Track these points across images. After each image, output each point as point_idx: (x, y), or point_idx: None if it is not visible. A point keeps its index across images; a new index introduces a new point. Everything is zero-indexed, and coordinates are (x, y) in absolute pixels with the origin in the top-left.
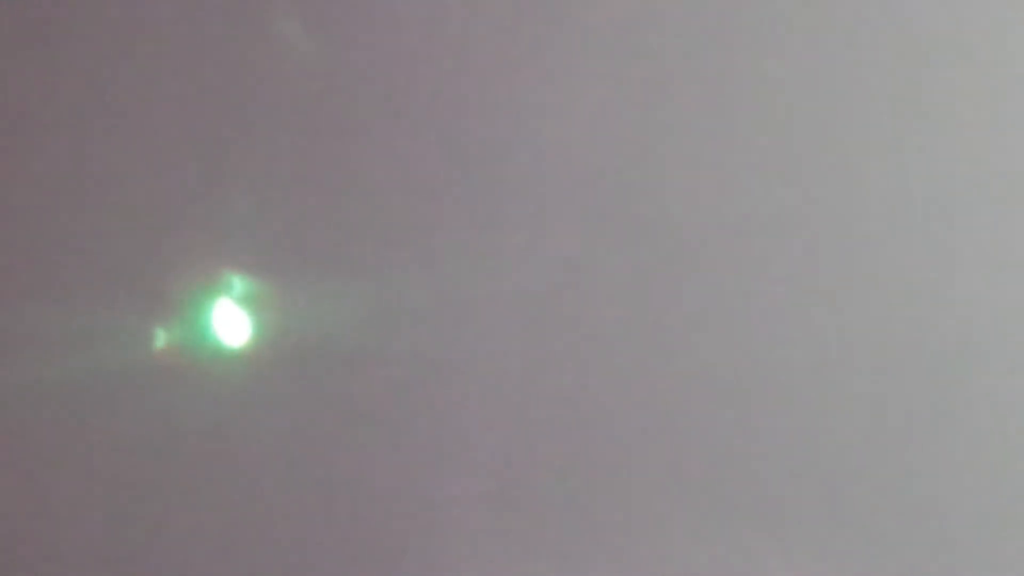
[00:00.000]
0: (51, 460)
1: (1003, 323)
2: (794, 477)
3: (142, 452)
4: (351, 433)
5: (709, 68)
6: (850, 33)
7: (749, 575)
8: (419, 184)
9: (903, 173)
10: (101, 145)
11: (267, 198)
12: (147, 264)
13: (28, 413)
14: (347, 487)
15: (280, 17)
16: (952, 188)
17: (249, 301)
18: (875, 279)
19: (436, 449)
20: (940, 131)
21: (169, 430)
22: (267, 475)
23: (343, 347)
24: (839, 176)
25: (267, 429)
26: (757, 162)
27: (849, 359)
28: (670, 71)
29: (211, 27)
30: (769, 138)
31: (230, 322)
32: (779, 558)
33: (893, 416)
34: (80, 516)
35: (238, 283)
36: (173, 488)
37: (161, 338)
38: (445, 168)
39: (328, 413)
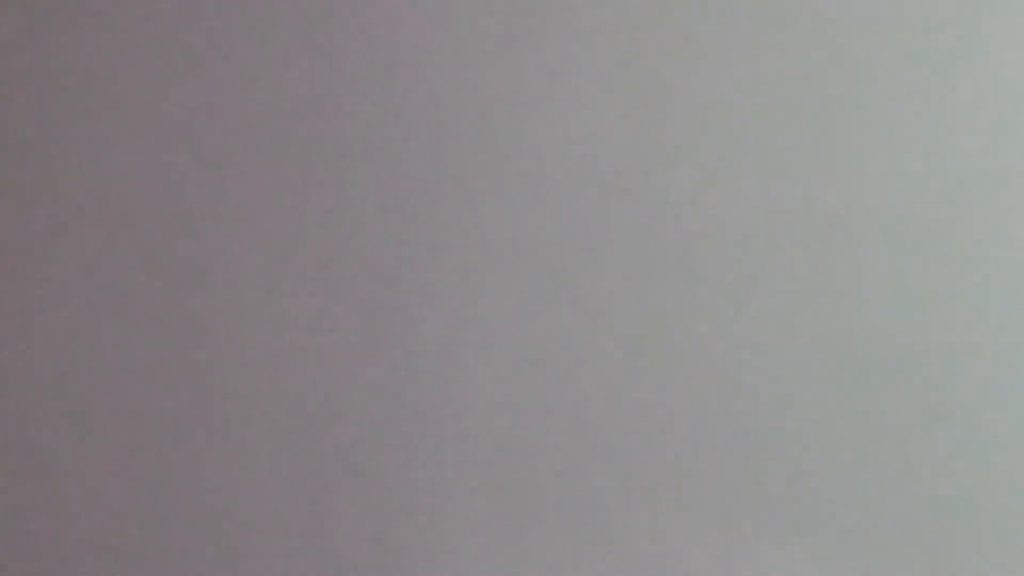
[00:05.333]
0: (57, 460)
1: (1003, 323)
2: (794, 477)
3: (144, 450)
4: (351, 433)
5: (709, 68)
6: (851, 33)
7: (749, 575)
8: (417, 183)
9: (904, 173)
10: (104, 147)
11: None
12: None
13: (34, 412)
14: (346, 487)
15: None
16: (953, 188)
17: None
18: (876, 280)
19: (436, 449)
20: (940, 131)
21: (167, 428)
22: (266, 475)
23: (343, 347)
24: (839, 176)
25: (270, 430)
26: (757, 162)
27: (851, 360)
28: (670, 70)
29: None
30: (769, 138)
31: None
32: (779, 558)
33: (894, 417)
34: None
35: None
36: (172, 485)
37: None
38: (443, 169)
39: (326, 413)
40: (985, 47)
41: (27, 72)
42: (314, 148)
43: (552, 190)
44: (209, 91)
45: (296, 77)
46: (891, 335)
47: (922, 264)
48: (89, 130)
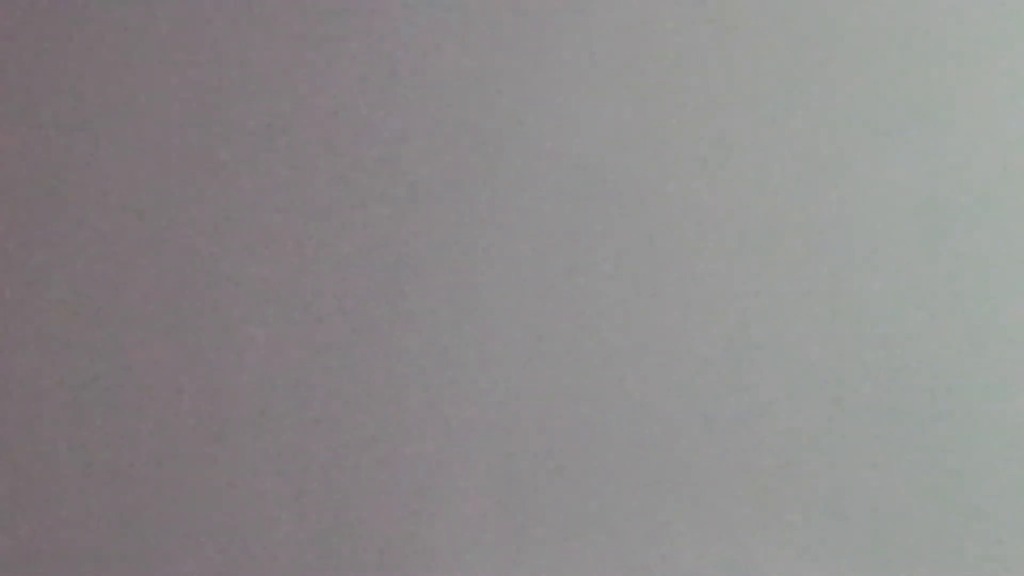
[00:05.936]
0: (55, 460)
1: (1003, 322)
2: (794, 477)
3: (143, 452)
4: (351, 433)
5: (709, 68)
6: (850, 33)
7: (749, 575)
8: (417, 183)
9: (903, 174)
10: (103, 146)
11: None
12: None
13: (31, 413)
14: (346, 487)
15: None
16: (953, 188)
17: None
18: (877, 280)
19: (436, 449)
20: (940, 131)
21: (169, 429)
22: (265, 476)
23: (343, 347)
24: (838, 176)
25: (270, 431)
26: (757, 162)
27: (851, 360)
28: (670, 70)
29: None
30: (769, 138)
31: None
32: (779, 558)
33: (894, 417)
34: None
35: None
36: (171, 486)
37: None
38: (443, 168)
39: (326, 413)
40: (985, 47)
41: (27, 72)
42: (314, 147)
43: (552, 190)
44: (209, 91)
45: (296, 77)
46: (892, 335)
47: (922, 264)
48: (89, 130)
